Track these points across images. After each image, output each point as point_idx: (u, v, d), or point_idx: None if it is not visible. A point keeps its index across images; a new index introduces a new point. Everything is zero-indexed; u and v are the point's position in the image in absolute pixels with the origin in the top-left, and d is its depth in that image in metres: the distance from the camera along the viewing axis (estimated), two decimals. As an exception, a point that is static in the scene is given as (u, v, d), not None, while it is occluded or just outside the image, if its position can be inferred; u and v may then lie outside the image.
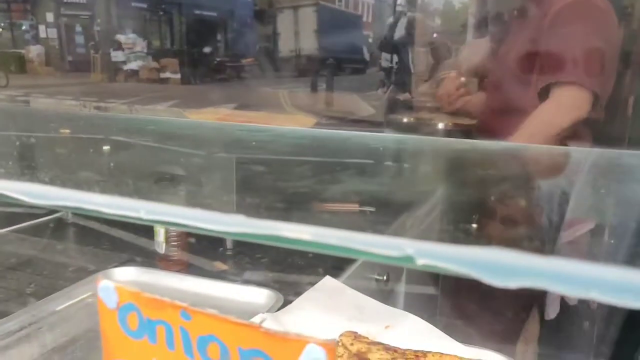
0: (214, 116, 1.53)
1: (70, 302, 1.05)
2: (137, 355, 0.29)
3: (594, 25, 1.27)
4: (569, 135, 1.27)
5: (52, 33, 13.91)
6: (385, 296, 1.31)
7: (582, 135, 1.30)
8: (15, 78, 10.78)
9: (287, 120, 1.49)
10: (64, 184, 0.34)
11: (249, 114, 1.53)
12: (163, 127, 0.73)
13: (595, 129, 1.33)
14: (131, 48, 13.35)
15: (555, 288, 0.21)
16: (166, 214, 0.27)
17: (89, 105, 1.19)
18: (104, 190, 0.30)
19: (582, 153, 0.70)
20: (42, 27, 13.85)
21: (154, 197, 0.30)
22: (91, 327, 0.96)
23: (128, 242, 1.36)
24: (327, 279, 1.08)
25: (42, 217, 1.50)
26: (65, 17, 14.04)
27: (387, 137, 0.63)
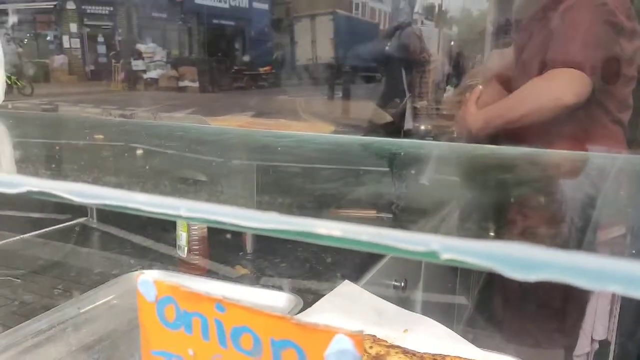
0: (235, 123, 1.56)
1: (95, 304, 1.08)
2: (174, 345, 0.31)
3: (598, 17, 1.20)
4: (602, 136, 1.22)
5: (75, 43, 14.23)
6: (403, 303, 1.31)
7: (616, 136, 1.25)
8: (40, 87, 11.05)
9: (306, 127, 1.51)
10: (105, 185, 0.36)
11: (268, 122, 1.56)
12: (191, 133, 0.75)
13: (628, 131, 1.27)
14: (151, 57, 13.59)
15: (575, 281, 0.22)
16: (205, 211, 0.29)
17: (113, 113, 1.22)
18: (143, 191, 0.32)
19: (608, 159, 0.70)
20: (65, 38, 14.18)
21: (191, 197, 0.32)
22: (115, 327, 0.98)
23: (150, 247, 1.39)
24: (346, 284, 1.10)
25: (66, 222, 1.54)
26: (88, 27, 14.35)
27: (405, 143, 0.64)
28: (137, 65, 13.29)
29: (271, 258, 1.32)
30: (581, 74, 1.14)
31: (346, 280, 1.08)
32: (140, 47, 13.61)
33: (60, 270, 1.24)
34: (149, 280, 0.31)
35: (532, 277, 0.23)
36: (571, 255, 0.22)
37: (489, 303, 1.70)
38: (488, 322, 1.66)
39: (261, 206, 0.30)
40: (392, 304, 1.01)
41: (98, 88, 12.42)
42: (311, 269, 1.29)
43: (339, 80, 10.34)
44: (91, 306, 1.06)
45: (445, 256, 0.25)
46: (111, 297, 1.09)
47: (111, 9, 14.23)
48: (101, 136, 0.79)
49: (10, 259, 1.24)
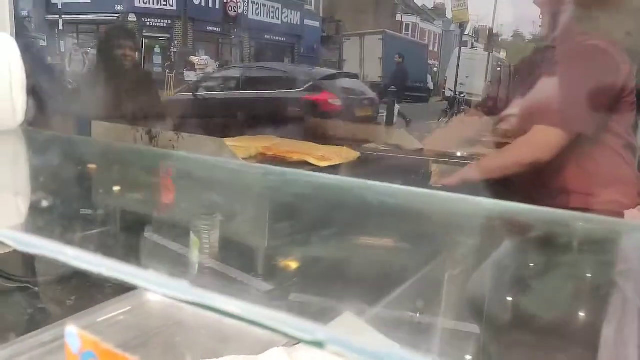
0: (259, 144, 1.58)
1: (104, 317, 1.10)
2: (91, 399, 0.31)
3: (586, 67, 1.26)
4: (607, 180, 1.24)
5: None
6: (420, 332, 1.28)
7: (628, 160, 1.28)
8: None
9: (331, 152, 1.51)
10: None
11: (293, 143, 1.57)
12: (182, 164, 0.77)
13: None
14: (203, 69, 14.04)
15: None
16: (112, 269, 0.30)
17: (140, 131, 1.26)
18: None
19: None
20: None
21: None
22: (123, 342, 1.00)
23: (166, 258, 1.42)
24: (347, 315, 1.07)
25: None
26: (146, 39, 15.04)
27: (402, 192, 0.61)
28: (189, 76, 13.75)
29: (279, 282, 1.32)
30: (556, 131, 1.23)
31: (347, 311, 1.06)
32: (193, 59, 14.12)
33: (78, 280, 1.28)
34: (74, 333, 0.32)
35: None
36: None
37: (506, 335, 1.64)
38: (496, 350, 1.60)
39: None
40: (394, 343, 0.98)
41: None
42: (320, 293, 1.28)
43: (384, 99, 10.36)
44: (99, 320, 1.09)
45: (330, 348, 0.24)
46: (118, 312, 1.11)
47: (169, 21, 14.86)
48: (93, 166, 0.82)
49: (29, 266, 1.29)
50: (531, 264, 1.16)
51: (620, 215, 1.15)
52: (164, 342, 0.99)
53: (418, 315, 1.32)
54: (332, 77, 5.72)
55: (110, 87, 2.10)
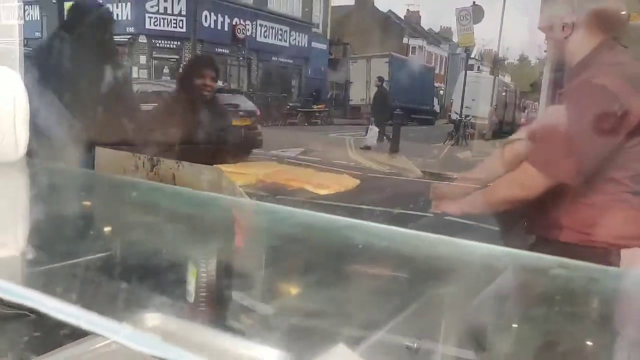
0: (259, 171, 1.59)
1: (100, 344, 1.11)
2: None
3: (583, 110, 1.16)
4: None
5: (143, 74, 15.14)
6: None
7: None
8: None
9: (331, 180, 1.52)
10: None
11: (294, 170, 1.59)
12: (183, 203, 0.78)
13: None
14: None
15: None
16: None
17: (142, 158, 1.28)
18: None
19: None
20: (135, 68, 15.13)
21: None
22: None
23: (164, 287, 1.42)
24: (340, 347, 1.07)
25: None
26: (155, 59, 15.28)
27: (398, 234, 0.60)
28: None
29: (275, 314, 1.32)
30: (539, 174, 1.18)
31: (341, 343, 1.06)
32: (201, 80, 14.28)
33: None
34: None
35: None
36: None
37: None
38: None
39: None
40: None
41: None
42: (314, 327, 1.27)
43: (390, 121, 10.42)
44: (96, 346, 1.09)
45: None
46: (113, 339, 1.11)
47: (178, 43, 15.10)
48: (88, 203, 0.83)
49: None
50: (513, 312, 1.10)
51: (617, 254, 1.10)
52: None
53: (409, 347, 1.31)
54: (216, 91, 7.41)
55: (184, 114, 2.12)
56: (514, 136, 1.58)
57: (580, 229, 1.18)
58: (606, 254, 1.13)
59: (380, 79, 12.16)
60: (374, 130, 9.67)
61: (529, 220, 1.35)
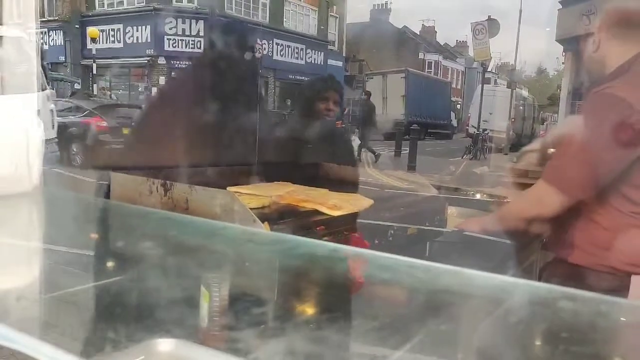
0: (274, 192, 1.59)
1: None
2: None
3: (594, 122, 1.12)
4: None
5: (162, 93, 15.44)
6: None
7: None
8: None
9: (344, 200, 1.51)
10: None
11: (308, 191, 1.58)
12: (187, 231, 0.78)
13: None
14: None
15: None
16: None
17: (156, 183, 1.26)
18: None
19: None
20: (154, 89, 15.42)
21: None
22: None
23: (176, 313, 1.41)
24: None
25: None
26: (174, 80, 15.58)
27: (401, 263, 0.59)
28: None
29: (288, 342, 1.30)
30: (550, 186, 1.15)
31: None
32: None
33: (80, 331, 1.28)
34: None
35: None
36: None
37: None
38: None
39: None
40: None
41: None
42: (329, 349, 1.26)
43: (408, 136, 10.38)
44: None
45: None
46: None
47: (196, 63, 15.38)
48: (95, 235, 0.84)
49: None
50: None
51: (627, 279, 1.06)
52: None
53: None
54: (112, 106, 9.21)
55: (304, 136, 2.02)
56: (527, 147, 1.56)
57: (589, 250, 1.14)
58: (615, 279, 1.09)
59: (367, 93, 12.16)
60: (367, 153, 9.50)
61: (548, 239, 1.32)
